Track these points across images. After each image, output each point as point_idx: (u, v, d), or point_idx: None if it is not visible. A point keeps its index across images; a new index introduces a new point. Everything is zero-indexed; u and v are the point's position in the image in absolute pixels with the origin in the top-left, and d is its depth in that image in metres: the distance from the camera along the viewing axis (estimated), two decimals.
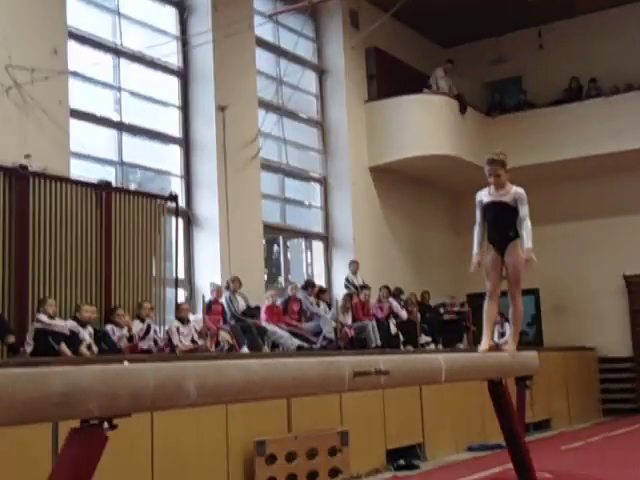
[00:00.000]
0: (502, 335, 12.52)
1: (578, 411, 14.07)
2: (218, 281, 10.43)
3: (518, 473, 4.33)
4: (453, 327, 13.42)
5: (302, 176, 13.67)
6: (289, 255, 13.31)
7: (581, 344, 15.25)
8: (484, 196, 5.29)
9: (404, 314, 12.44)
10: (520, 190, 5.17)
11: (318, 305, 11.30)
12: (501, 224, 5.21)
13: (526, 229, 5.08)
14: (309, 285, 11.63)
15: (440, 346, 12.71)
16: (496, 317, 5.57)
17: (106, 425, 2.18)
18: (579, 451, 10.01)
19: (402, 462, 9.17)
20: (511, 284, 5.27)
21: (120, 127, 10.45)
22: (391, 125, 14.05)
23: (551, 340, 15.52)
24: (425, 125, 14.16)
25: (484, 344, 5.14)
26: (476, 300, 15.30)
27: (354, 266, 12.70)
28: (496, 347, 6.05)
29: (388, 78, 14.68)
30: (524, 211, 5.12)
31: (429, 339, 12.76)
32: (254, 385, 2.60)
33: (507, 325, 12.41)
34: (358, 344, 11.01)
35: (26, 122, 8.75)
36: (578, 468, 7.26)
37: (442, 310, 13.52)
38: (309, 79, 13.84)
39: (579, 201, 15.67)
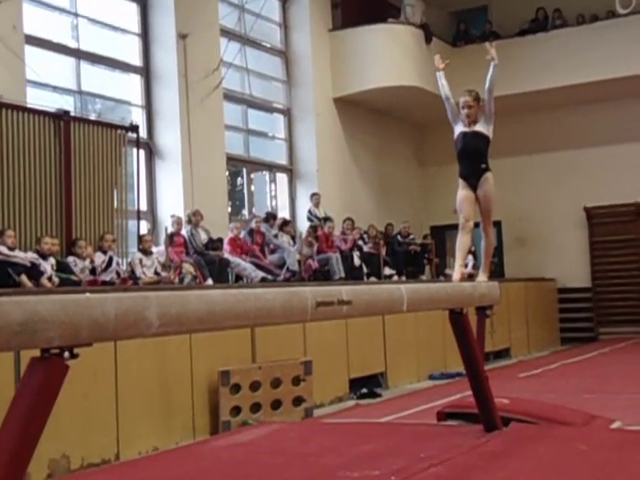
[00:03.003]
0: (465, 266, 12.64)
1: (537, 340, 14.40)
2: (181, 213, 10.35)
3: (477, 399, 4.42)
4: (416, 259, 13.53)
5: (265, 107, 13.49)
6: (253, 187, 13.22)
7: (541, 275, 15.52)
8: (459, 126, 5.30)
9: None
10: None
11: (276, 237, 11.23)
12: (473, 155, 5.26)
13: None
14: (270, 217, 11.58)
15: (404, 278, 12.83)
16: (468, 248, 5.54)
17: (67, 354, 2.16)
18: (537, 378, 10.27)
19: (364, 391, 9.33)
20: (483, 217, 5.36)
21: (78, 55, 10.17)
22: (355, 55, 13.85)
23: (512, 271, 15.77)
24: (390, 55, 13.98)
25: (457, 274, 5.21)
26: (439, 232, 15.47)
27: (316, 198, 12.66)
28: (468, 277, 6.12)
29: (352, 6, 14.42)
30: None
31: (393, 272, 12.87)
32: (217, 315, 2.60)
33: (470, 257, 12.54)
34: (322, 276, 11.07)
35: None
36: (535, 394, 7.46)
37: (400, 238, 13.55)
38: (272, 6, 13.53)
39: (541, 133, 15.71)
